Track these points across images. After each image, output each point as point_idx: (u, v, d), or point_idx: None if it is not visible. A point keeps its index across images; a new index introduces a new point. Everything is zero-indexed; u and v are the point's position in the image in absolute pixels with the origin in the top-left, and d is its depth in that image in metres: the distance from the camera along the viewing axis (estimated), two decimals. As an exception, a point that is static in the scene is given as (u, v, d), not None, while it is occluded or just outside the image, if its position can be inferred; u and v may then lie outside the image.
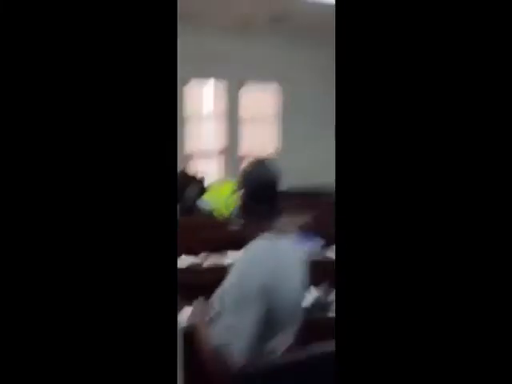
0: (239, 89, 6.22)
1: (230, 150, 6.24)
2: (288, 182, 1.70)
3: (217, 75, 6.08)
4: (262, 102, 6.39)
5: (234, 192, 3.58)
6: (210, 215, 3.42)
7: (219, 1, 4.90)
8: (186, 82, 5.99)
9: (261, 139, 6.39)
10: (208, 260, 2.59)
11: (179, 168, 4.33)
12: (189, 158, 6.03)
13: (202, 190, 3.75)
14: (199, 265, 2.52)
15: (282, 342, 1.21)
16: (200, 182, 4.01)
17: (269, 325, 1.16)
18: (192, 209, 3.94)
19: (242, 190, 1.27)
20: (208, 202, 3.50)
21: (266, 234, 1.23)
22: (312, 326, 1.38)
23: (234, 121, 6.25)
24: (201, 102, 6.24)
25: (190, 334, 1.36)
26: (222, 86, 6.20)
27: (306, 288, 1.32)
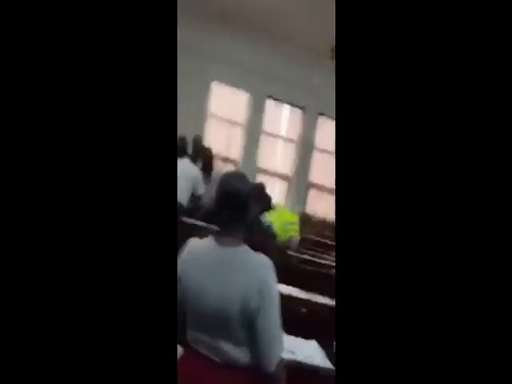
0: (316, 119, 6.26)
1: (298, 177, 6.25)
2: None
3: (295, 101, 6.20)
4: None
5: (295, 221, 3.51)
6: (268, 232, 3.41)
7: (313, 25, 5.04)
8: (263, 100, 6.14)
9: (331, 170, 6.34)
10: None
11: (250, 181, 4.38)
12: (260, 174, 6.13)
13: (267, 208, 3.76)
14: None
15: (198, 339, 1.29)
16: (267, 199, 4.04)
17: (183, 315, 1.29)
18: (253, 223, 3.97)
19: (218, 197, 1.34)
20: (269, 221, 3.51)
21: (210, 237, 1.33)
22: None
23: (307, 149, 6.27)
24: (278, 124, 6.33)
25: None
26: (300, 112, 6.28)
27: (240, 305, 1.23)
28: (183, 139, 4.45)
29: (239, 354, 1.25)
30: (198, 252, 1.33)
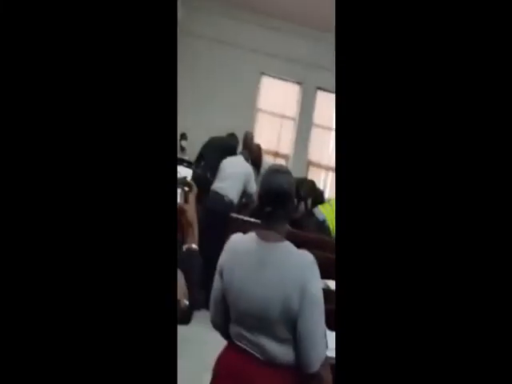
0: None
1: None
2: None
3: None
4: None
5: None
6: (321, 226, 3.32)
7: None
8: (313, 91, 6.00)
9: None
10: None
11: (302, 176, 4.31)
12: (312, 167, 6.03)
13: (319, 202, 3.68)
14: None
15: (240, 334, 1.30)
16: (319, 192, 3.94)
17: (225, 306, 1.34)
18: (305, 218, 3.91)
19: (261, 193, 1.35)
20: (323, 213, 3.43)
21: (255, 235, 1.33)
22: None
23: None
24: (329, 115, 6.18)
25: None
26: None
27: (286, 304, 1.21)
28: (234, 136, 4.43)
29: (281, 353, 1.23)
30: (240, 247, 1.33)
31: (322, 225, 3.34)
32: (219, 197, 3.70)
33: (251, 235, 1.34)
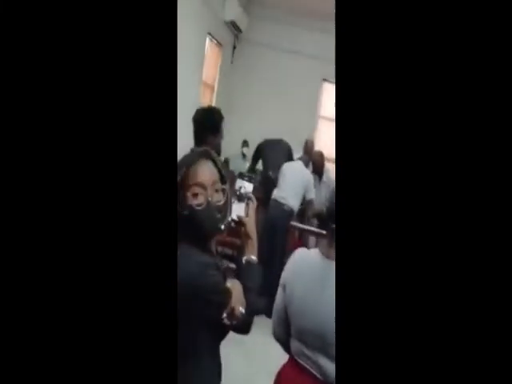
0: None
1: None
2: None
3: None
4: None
5: None
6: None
7: None
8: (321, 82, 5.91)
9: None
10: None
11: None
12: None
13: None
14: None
15: (300, 350, 1.29)
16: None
17: (287, 320, 1.33)
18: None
19: (329, 207, 1.32)
20: None
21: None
22: None
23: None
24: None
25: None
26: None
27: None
28: (287, 145, 4.43)
29: None
30: (304, 263, 1.33)
31: None
32: (279, 205, 3.74)
33: (315, 252, 1.32)
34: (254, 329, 1.18)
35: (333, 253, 1.25)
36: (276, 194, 3.82)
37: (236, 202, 1.14)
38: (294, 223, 3.88)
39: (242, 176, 1.16)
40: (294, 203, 3.79)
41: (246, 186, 1.15)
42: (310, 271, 1.28)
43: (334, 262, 1.21)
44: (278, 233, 3.63)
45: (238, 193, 1.15)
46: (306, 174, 3.95)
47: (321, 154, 4.45)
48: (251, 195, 1.14)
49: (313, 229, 4.06)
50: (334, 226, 1.24)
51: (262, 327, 1.75)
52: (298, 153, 4.23)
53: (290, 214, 3.78)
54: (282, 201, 3.75)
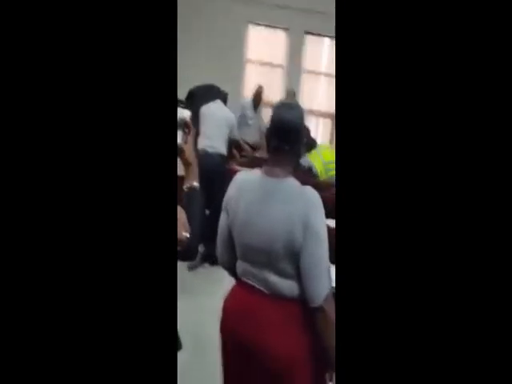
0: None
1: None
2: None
3: (332, 34, 5.89)
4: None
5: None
6: (307, 173, 3.38)
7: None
8: (301, 35, 5.94)
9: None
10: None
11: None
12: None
13: (309, 149, 3.67)
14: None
15: (247, 270, 1.32)
16: (311, 140, 3.98)
17: (232, 243, 1.35)
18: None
19: (270, 127, 1.31)
20: (309, 161, 3.49)
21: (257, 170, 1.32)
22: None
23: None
24: (319, 60, 6.14)
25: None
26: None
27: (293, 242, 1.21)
28: (219, 89, 4.42)
29: (286, 287, 1.24)
30: (245, 183, 1.32)
31: (309, 171, 3.35)
32: (209, 155, 3.68)
33: (257, 172, 1.32)
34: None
35: (275, 171, 1.27)
36: (203, 143, 3.71)
37: None
38: (231, 166, 3.88)
39: (178, 103, 1.11)
40: (223, 147, 3.77)
41: (181, 113, 1.11)
42: (252, 188, 1.28)
43: (276, 179, 1.26)
44: (217, 183, 3.45)
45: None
46: (227, 112, 3.90)
47: (261, 87, 4.77)
48: (188, 121, 1.12)
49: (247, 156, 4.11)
50: (274, 143, 1.26)
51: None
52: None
53: (223, 160, 3.76)
54: (211, 150, 3.67)
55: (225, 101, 4.12)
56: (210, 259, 3.55)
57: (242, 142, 4.21)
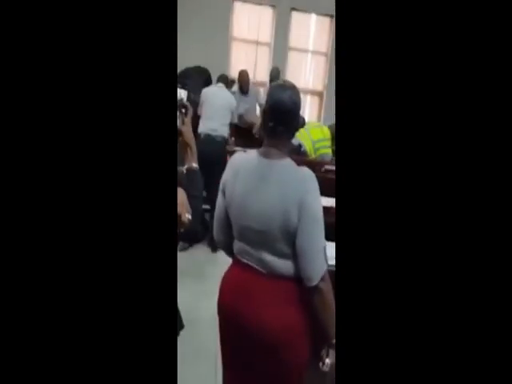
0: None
1: (330, 91, 6.09)
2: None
3: (318, 10, 5.88)
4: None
5: (327, 137, 3.43)
6: (297, 151, 3.34)
7: None
8: (288, 12, 5.87)
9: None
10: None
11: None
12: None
13: (300, 126, 3.61)
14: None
15: (243, 249, 1.33)
16: (301, 117, 3.93)
17: (228, 223, 1.36)
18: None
19: (265, 108, 1.29)
20: (298, 139, 3.46)
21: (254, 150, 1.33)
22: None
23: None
24: (306, 37, 6.09)
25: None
26: (327, 21, 5.96)
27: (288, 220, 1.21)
28: (205, 70, 4.40)
29: (283, 266, 1.25)
30: (242, 164, 1.32)
31: (298, 150, 3.33)
32: (213, 138, 3.65)
33: (253, 152, 1.32)
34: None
35: (271, 152, 1.27)
36: (205, 125, 3.68)
37: None
38: (232, 148, 3.81)
39: None
40: (225, 131, 3.77)
41: (180, 93, 1.10)
42: (249, 170, 1.28)
43: (272, 161, 1.26)
44: (221, 166, 3.30)
45: None
46: (229, 95, 3.92)
47: (246, 73, 4.63)
48: (186, 103, 1.10)
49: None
50: (270, 124, 1.25)
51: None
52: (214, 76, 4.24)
53: (225, 142, 3.76)
54: (214, 133, 3.65)
55: (208, 79, 4.14)
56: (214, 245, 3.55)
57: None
